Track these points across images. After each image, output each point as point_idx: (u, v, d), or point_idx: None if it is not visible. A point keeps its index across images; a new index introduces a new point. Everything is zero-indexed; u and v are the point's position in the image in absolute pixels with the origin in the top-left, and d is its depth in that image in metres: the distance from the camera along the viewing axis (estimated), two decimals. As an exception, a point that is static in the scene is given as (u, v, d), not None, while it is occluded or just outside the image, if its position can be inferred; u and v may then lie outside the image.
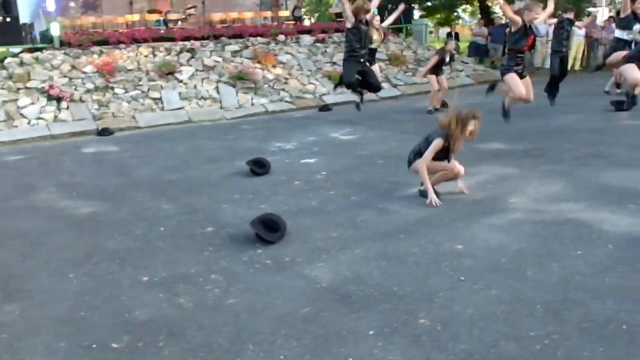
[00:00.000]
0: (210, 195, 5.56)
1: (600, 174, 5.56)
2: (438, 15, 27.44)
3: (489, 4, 23.77)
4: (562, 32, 10.09)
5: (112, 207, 5.22)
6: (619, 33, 9.45)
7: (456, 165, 4.94)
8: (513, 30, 6.80)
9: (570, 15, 10.36)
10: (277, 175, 6.24)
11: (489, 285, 3.30)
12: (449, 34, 19.08)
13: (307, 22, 22.80)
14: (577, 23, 15.89)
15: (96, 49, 11.96)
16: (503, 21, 17.60)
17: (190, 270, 3.69)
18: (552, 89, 9.86)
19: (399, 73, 14.49)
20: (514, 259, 3.65)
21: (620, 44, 9.26)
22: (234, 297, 3.30)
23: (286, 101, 12.23)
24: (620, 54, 8.58)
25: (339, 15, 19.14)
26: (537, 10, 6.58)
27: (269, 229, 4.23)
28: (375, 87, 8.21)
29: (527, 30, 6.72)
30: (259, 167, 6.34)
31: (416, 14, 27.08)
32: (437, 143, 4.79)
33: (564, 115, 9.15)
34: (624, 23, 9.30)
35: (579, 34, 15.63)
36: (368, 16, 7.58)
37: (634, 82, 7.71)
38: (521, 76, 6.92)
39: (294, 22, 19.13)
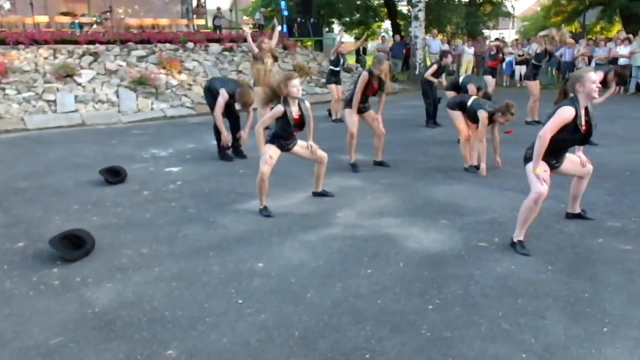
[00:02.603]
0: (48, 206, 5.05)
1: (432, 188, 5.45)
2: (356, 30, 27.47)
3: (399, 21, 24.06)
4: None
5: None
6: None
7: None
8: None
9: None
10: (131, 184, 5.79)
11: (261, 310, 3.02)
12: (357, 50, 18.98)
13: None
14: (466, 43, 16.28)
15: (-10, 48, 11.02)
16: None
17: (-40, 294, 3.22)
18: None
19: (302, 83, 14.15)
20: (304, 279, 3.40)
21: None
22: (-12, 325, 2.87)
23: (187, 107, 11.71)
24: None
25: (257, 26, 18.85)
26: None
27: (73, 246, 3.81)
28: None
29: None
30: (113, 175, 5.87)
31: (336, 28, 27.09)
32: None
33: (433, 127, 9.15)
34: None
35: (468, 52, 15.93)
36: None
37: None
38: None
39: (214, 30, 18.60)
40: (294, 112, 4.65)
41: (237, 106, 6.99)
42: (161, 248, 3.98)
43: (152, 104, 11.43)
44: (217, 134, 6.89)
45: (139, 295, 3.22)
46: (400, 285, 3.28)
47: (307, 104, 4.83)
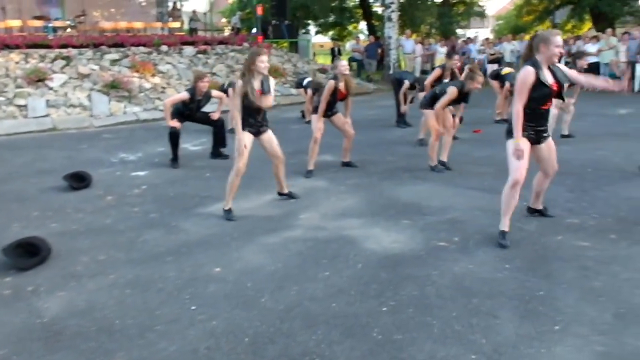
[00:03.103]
0: (8, 213, 4.90)
1: (397, 188, 5.42)
2: (331, 32, 27.48)
3: (375, 22, 24.09)
4: None
5: None
6: None
7: None
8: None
9: None
10: (95, 189, 5.66)
11: (214, 316, 2.94)
12: (332, 50, 18.96)
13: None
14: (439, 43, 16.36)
15: (-43, 54, 10.74)
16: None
17: None
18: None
19: (277, 85, 14.12)
20: (260, 283, 3.33)
21: None
22: None
23: (160, 110, 11.47)
24: None
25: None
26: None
27: (28, 254, 3.69)
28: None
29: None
30: (77, 181, 5.73)
31: (313, 29, 27.08)
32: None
33: (404, 127, 9.12)
34: None
35: (441, 51, 15.99)
36: None
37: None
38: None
39: (190, 33, 18.42)
40: (256, 86, 4.53)
41: (217, 114, 6.98)
42: (118, 254, 3.88)
43: (125, 107, 11.24)
44: (172, 142, 6.73)
45: (90, 304, 3.12)
46: (356, 288, 3.23)
47: (272, 81, 4.63)
